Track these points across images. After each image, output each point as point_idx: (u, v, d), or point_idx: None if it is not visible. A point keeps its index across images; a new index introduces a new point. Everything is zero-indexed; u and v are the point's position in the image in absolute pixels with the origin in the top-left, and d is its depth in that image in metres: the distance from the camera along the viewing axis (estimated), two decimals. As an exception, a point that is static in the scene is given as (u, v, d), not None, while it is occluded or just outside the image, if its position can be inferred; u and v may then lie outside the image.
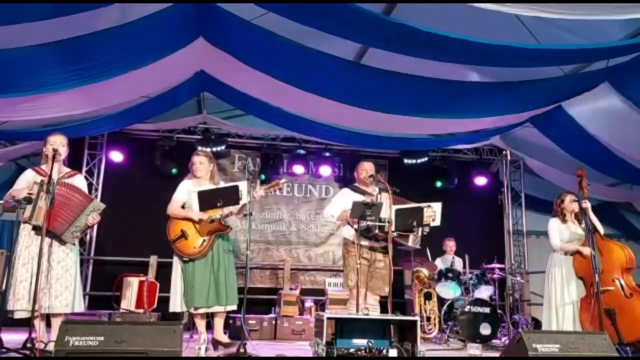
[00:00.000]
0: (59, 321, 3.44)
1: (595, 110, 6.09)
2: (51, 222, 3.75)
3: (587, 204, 4.62)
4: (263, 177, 7.97)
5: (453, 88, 5.66)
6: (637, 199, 8.83)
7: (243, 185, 4.16)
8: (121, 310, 6.26)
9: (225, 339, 4.46)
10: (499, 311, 6.25)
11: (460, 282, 6.41)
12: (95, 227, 4.01)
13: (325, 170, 8.44)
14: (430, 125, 6.97)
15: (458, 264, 7.09)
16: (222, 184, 4.54)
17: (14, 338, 3.81)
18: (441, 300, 6.59)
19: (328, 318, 3.77)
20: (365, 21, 4.23)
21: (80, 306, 4.00)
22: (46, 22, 4.21)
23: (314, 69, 5.34)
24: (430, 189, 8.32)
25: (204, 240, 4.30)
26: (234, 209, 4.38)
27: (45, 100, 5.32)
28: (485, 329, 5.97)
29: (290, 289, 7.13)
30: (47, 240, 3.74)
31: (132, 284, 6.39)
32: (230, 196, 4.17)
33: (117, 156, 7.92)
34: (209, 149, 7.10)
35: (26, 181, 3.93)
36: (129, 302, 6.32)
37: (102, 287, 7.26)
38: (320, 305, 6.92)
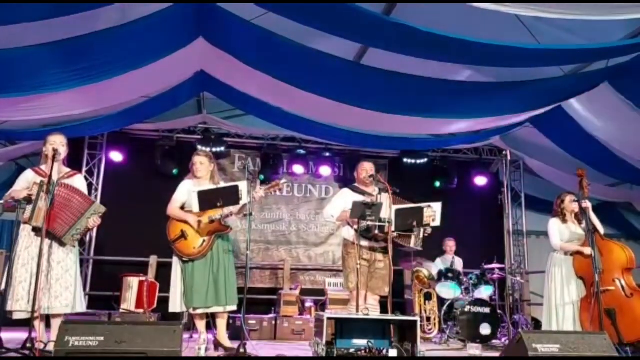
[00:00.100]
0: (59, 321, 3.43)
1: (595, 110, 6.10)
2: (51, 223, 3.74)
3: (587, 204, 4.61)
4: (263, 177, 7.97)
5: (453, 88, 5.65)
6: (637, 199, 8.82)
7: (243, 186, 4.15)
8: (121, 311, 6.26)
9: (228, 342, 4.39)
10: (499, 311, 6.23)
11: (460, 282, 6.41)
12: (95, 227, 4.02)
13: (325, 170, 8.44)
14: (430, 125, 6.97)
15: (458, 264, 7.09)
16: (222, 184, 4.52)
17: (14, 338, 3.80)
18: (441, 301, 6.58)
19: (328, 318, 3.77)
20: (365, 21, 4.23)
21: (82, 306, 4.00)
22: (46, 22, 4.21)
23: (314, 69, 5.34)
24: (430, 189, 8.32)
25: (203, 241, 4.29)
26: (234, 209, 4.37)
27: (45, 100, 5.32)
28: (485, 329, 5.96)
29: (290, 289, 7.13)
30: (47, 241, 3.74)
31: (132, 284, 6.38)
32: (230, 196, 4.16)
33: (117, 156, 7.92)
34: (209, 149, 7.10)
35: (26, 181, 3.93)
36: (128, 302, 6.32)
37: (102, 287, 7.26)
38: (320, 306, 6.92)
